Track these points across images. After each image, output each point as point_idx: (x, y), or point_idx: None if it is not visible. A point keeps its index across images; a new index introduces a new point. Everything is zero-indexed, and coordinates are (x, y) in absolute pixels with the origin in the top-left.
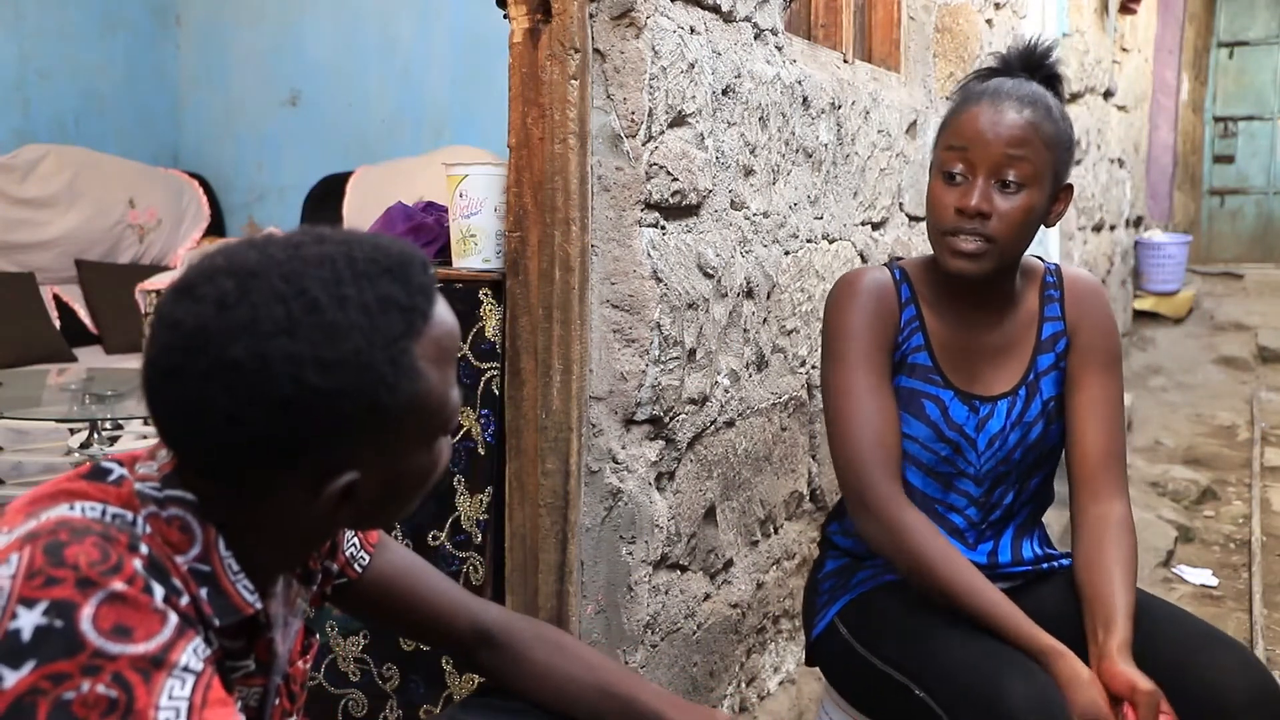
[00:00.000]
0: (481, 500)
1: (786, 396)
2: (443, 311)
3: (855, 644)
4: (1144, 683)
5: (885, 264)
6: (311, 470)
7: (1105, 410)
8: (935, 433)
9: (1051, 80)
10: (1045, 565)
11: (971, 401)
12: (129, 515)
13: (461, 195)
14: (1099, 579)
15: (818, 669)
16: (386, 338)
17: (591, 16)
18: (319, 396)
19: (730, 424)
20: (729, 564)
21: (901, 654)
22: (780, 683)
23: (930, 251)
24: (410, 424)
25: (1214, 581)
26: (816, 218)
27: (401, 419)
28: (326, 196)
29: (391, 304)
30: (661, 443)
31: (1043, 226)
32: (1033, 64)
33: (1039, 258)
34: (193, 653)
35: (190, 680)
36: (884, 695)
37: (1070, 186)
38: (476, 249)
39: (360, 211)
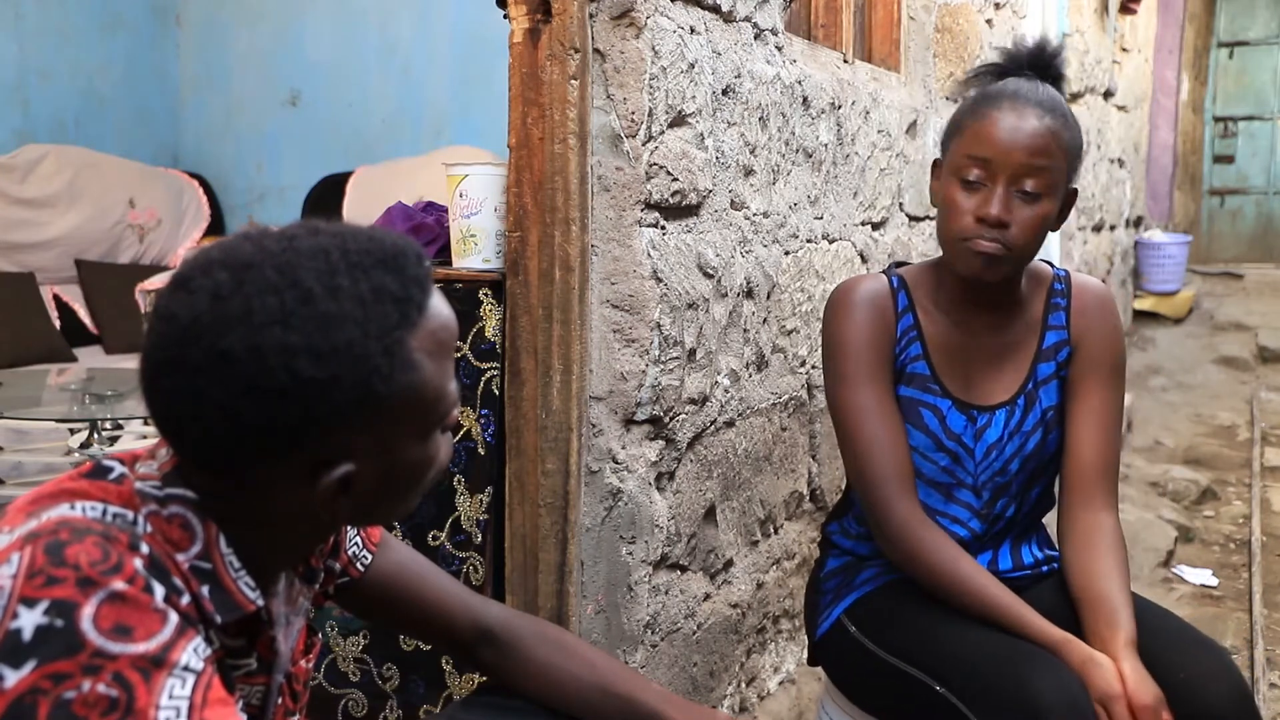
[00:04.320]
0: (481, 500)
1: (786, 396)
2: (438, 304)
3: (865, 640)
4: (1144, 695)
5: (884, 270)
6: (308, 462)
7: (1103, 421)
8: (934, 442)
9: (1058, 81)
10: (1045, 568)
11: (969, 411)
12: (129, 514)
13: (461, 195)
14: (1097, 581)
15: (818, 669)
16: (381, 328)
17: (591, 16)
18: (313, 386)
19: (730, 424)
20: (729, 564)
21: (919, 649)
22: (780, 683)
23: (931, 257)
24: (406, 415)
25: (1214, 581)
26: (816, 218)
27: (397, 410)
28: (326, 196)
29: (385, 294)
30: (661, 443)
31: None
32: (1043, 64)
33: (1048, 262)
34: (193, 652)
35: (190, 680)
36: (897, 691)
37: (1075, 191)
38: (476, 249)
39: (360, 211)
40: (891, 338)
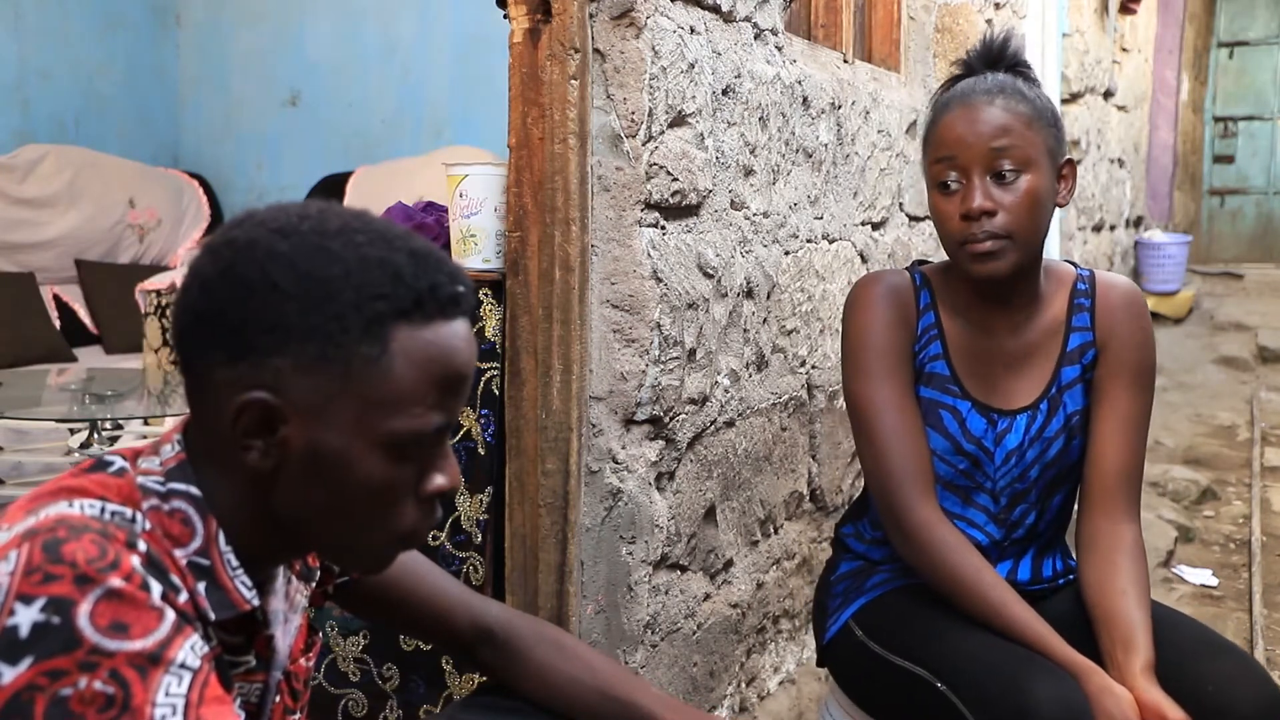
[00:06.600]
0: (481, 500)
1: (786, 396)
2: (451, 337)
3: (872, 645)
4: (1173, 711)
5: (907, 267)
6: (248, 380)
7: (1130, 428)
8: (953, 445)
9: (1018, 68)
10: (1062, 580)
11: (990, 414)
12: (128, 512)
13: (461, 195)
14: (1114, 599)
15: (819, 669)
16: (370, 292)
17: (591, 16)
18: (274, 294)
19: (730, 424)
20: (729, 564)
21: (923, 650)
22: (780, 683)
23: (932, 258)
24: (355, 392)
25: (1214, 581)
26: (816, 218)
27: (349, 379)
28: (326, 196)
29: (391, 269)
30: (661, 443)
31: (1056, 209)
32: (993, 58)
33: (1072, 263)
34: (190, 649)
35: (187, 677)
36: (902, 695)
37: (1072, 161)
38: (476, 249)
39: None
40: (912, 335)
